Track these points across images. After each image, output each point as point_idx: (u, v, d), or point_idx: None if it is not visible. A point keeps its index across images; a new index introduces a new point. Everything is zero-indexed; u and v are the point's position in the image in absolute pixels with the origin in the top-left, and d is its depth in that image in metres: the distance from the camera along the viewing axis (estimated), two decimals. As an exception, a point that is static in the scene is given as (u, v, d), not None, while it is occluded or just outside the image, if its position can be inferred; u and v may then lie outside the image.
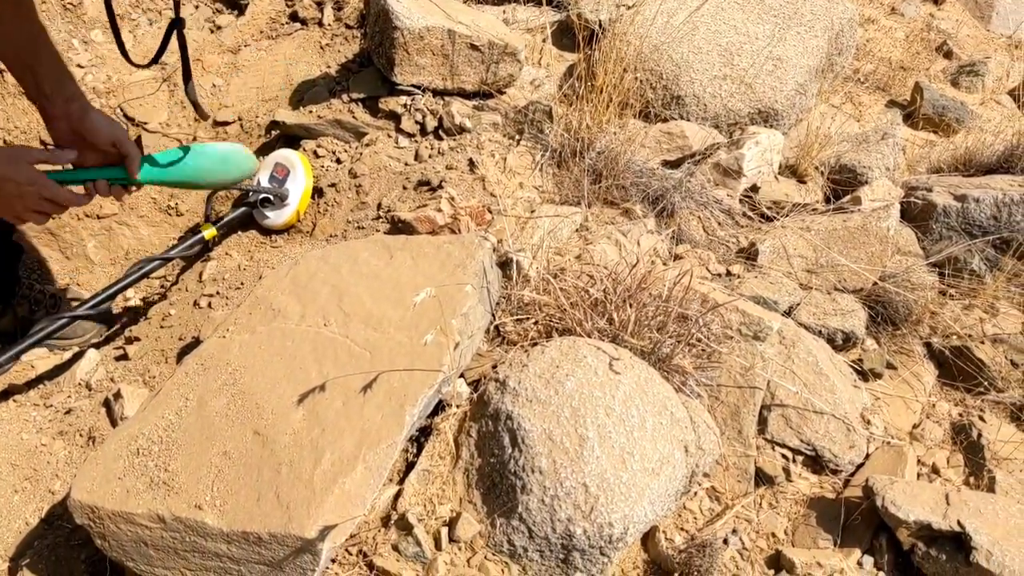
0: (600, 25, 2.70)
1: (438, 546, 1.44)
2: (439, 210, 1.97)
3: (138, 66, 1.95)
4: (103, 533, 1.45)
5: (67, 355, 2.36)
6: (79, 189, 1.74)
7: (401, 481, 1.53)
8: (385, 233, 2.08)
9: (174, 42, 1.93)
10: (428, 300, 1.58)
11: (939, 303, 2.11)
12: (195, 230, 2.34)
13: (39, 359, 2.35)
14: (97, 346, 2.36)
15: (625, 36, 2.53)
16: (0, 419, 2.13)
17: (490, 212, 2.06)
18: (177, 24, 1.87)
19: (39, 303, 2.49)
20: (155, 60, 1.93)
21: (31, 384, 2.26)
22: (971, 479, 1.79)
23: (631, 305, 1.69)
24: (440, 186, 2.14)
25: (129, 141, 1.81)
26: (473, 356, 1.70)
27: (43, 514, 1.87)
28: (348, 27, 2.92)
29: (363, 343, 1.59)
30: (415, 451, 1.59)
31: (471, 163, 2.23)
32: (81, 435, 2.02)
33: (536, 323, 1.76)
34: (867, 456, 1.76)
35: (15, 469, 1.98)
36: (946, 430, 1.91)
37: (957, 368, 2.03)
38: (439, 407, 1.62)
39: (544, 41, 2.82)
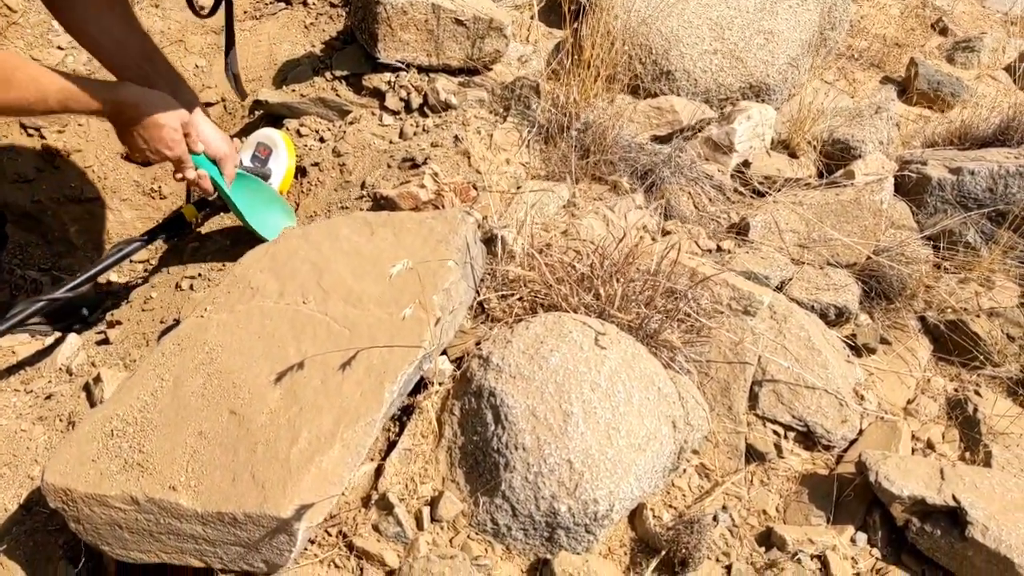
0: (588, 0, 2.65)
1: (420, 526, 1.40)
2: (422, 186, 1.93)
3: (201, 16, 2.10)
4: (77, 516, 1.41)
5: (48, 340, 2.33)
6: None
7: (382, 460, 1.49)
8: (368, 210, 2.04)
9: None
10: (409, 276, 1.55)
11: (934, 277, 2.08)
12: (177, 212, 2.29)
13: (20, 344, 2.31)
14: (78, 331, 2.32)
15: (612, 9, 2.48)
16: (-21, 405, 2.10)
17: (475, 188, 2.02)
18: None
19: (20, 288, 2.46)
20: (212, 12, 2.08)
21: (11, 370, 2.22)
22: (967, 454, 1.75)
23: (618, 280, 1.66)
24: (425, 163, 2.10)
25: (230, 161, 2.07)
26: (456, 333, 1.66)
27: (22, 500, 1.83)
28: (333, 6, 2.88)
29: (342, 320, 1.55)
30: (397, 430, 1.55)
31: (456, 140, 2.19)
32: (61, 420, 1.98)
33: (521, 299, 1.72)
34: (860, 432, 1.73)
35: (-6, 455, 1.95)
36: (941, 405, 1.87)
37: (952, 342, 1.99)
38: (421, 385, 1.58)
39: (532, 18, 2.77)
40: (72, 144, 2.75)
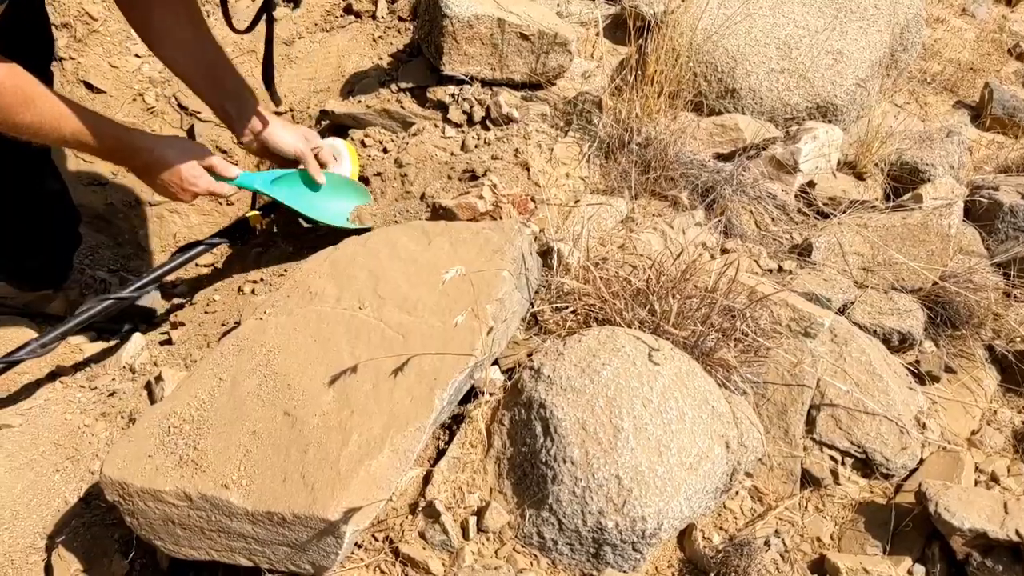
0: (655, 17, 2.64)
1: (465, 535, 1.40)
2: (481, 197, 1.94)
3: (239, 32, 2.07)
4: (132, 511, 1.44)
5: (115, 339, 2.39)
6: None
7: (431, 468, 1.49)
8: (426, 220, 2.06)
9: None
10: (463, 285, 1.56)
11: (1003, 305, 2.01)
12: (243, 218, 2.34)
13: (87, 342, 2.38)
14: (143, 331, 2.38)
15: (679, 27, 2.47)
16: (46, 399, 2.15)
17: (533, 201, 2.02)
18: (268, 5, 1.97)
19: (89, 287, 2.53)
20: (251, 28, 2.05)
21: (77, 366, 2.28)
22: (1033, 489, 1.69)
23: (674, 296, 1.64)
24: (484, 175, 2.11)
25: (311, 159, 2.12)
26: (509, 343, 1.66)
27: (81, 493, 1.88)
28: (401, 19, 2.92)
29: (396, 326, 1.56)
30: (447, 438, 1.55)
31: (516, 153, 2.19)
32: (123, 417, 2.03)
33: (575, 312, 1.71)
34: (921, 461, 1.68)
35: (57, 448, 2.00)
36: (1007, 437, 1.81)
37: (1022, 373, 1.92)
38: (472, 394, 1.58)
39: (597, 34, 2.77)
40: (145, 149, 2.83)
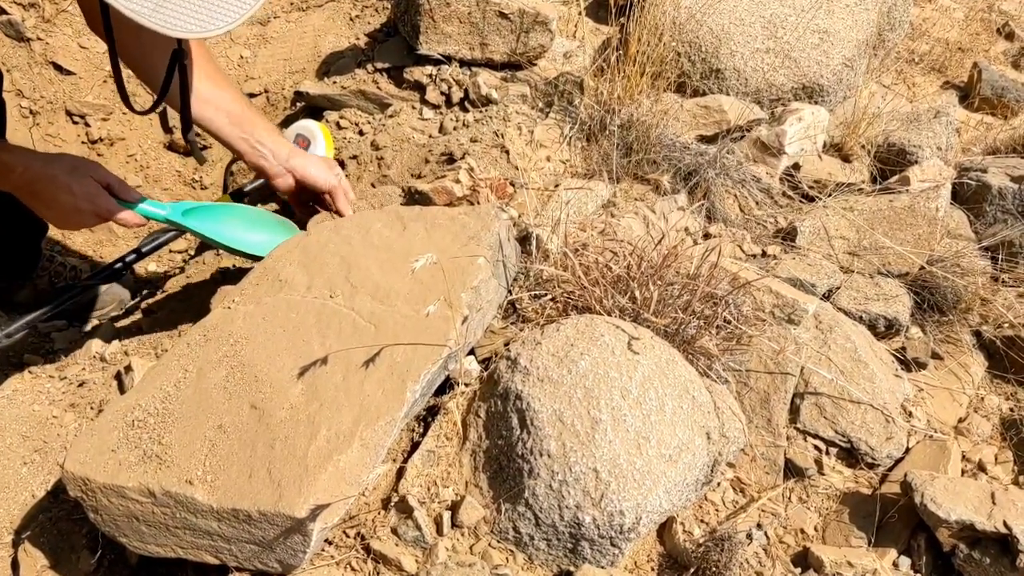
0: (638, -5, 2.59)
1: (440, 531, 1.36)
2: (457, 181, 1.89)
3: (139, 113, 1.84)
4: (95, 507, 1.40)
5: (85, 327, 2.33)
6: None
7: (404, 462, 1.45)
8: (401, 204, 2.01)
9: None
10: (437, 272, 1.51)
11: (991, 290, 1.97)
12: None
13: (57, 331, 2.33)
14: (114, 319, 2.32)
15: (662, 5, 2.41)
16: (14, 389, 2.10)
17: (512, 185, 1.97)
18: (179, 56, 1.63)
19: (59, 275, 2.47)
20: (155, 105, 1.77)
21: (47, 356, 2.23)
22: (1021, 478, 1.66)
23: (655, 283, 1.59)
24: (462, 158, 2.06)
25: (340, 194, 1.98)
26: (486, 332, 1.62)
27: (49, 487, 1.83)
28: (379, -2, 2.86)
29: (368, 316, 1.51)
30: (421, 430, 1.51)
31: (497, 135, 2.14)
32: (92, 408, 1.98)
33: (554, 300, 1.67)
34: (907, 450, 1.64)
35: (25, 440, 1.95)
36: (995, 425, 1.78)
37: (1009, 359, 1.89)
38: (448, 385, 1.53)
39: (579, 13, 2.71)
40: (116, 132, 2.76)
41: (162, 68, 1.64)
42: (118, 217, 1.77)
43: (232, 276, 2.15)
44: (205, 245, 2.40)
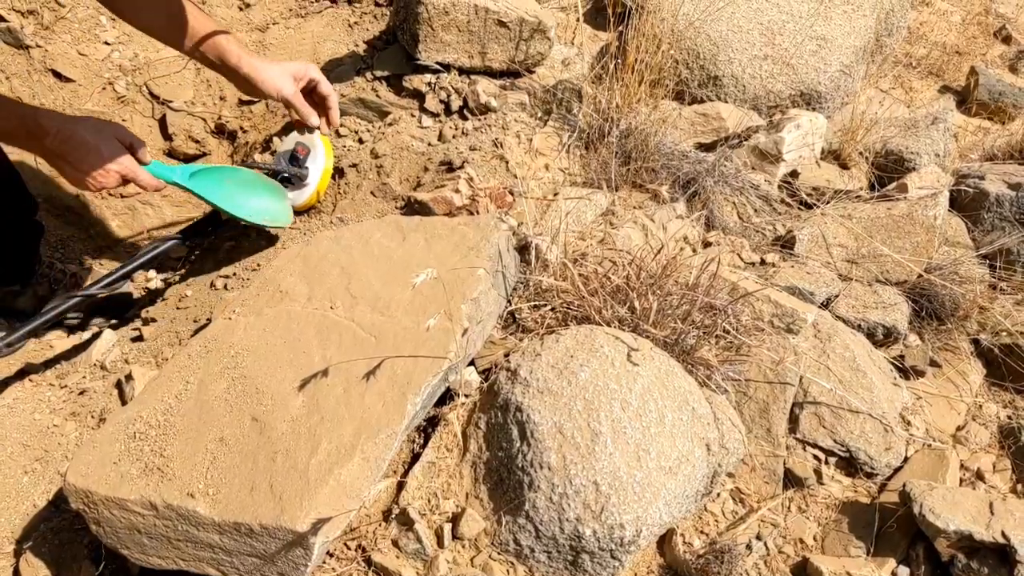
0: (636, 2, 2.59)
1: (440, 543, 1.36)
2: (457, 191, 1.89)
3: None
4: (98, 519, 1.40)
5: (85, 335, 2.33)
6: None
7: (405, 473, 1.45)
8: (401, 214, 2.01)
9: None
10: (437, 284, 1.51)
11: (989, 297, 1.98)
12: (214, 210, 2.28)
13: (57, 339, 2.32)
14: (114, 327, 2.32)
15: (660, 12, 2.42)
16: (15, 398, 2.10)
17: (511, 194, 1.98)
18: None
19: (59, 282, 2.47)
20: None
21: (48, 364, 2.23)
22: (1019, 487, 1.66)
23: (654, 293, 1.60)
24: (461, 167, 2.06)
25: (299, 100, 1.99)
26: (486, 343, 1.62)
27: (51, 496, 1.83)
28: (378, 4, 2.85)
29: (369, 327, 1.52)
30: (422, 442, 1.51)
31: (495, 144, 2.14)
32: (93, 416, 1.98)
33: (553, 310, 1.67)
34: (906, 459, 1.65)
35: (26, 450, 1.95)
36: (993, 433, 1.78)
37: (1007, 367, 1.90)
38: (448, 396, 1.54)
39: (578, 20, 2.72)
40: (115, 139, 2.76)
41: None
42: (140, 179, 1.83)
43: (232, 285, 2.15)
44: (205, 250, 2.41)
